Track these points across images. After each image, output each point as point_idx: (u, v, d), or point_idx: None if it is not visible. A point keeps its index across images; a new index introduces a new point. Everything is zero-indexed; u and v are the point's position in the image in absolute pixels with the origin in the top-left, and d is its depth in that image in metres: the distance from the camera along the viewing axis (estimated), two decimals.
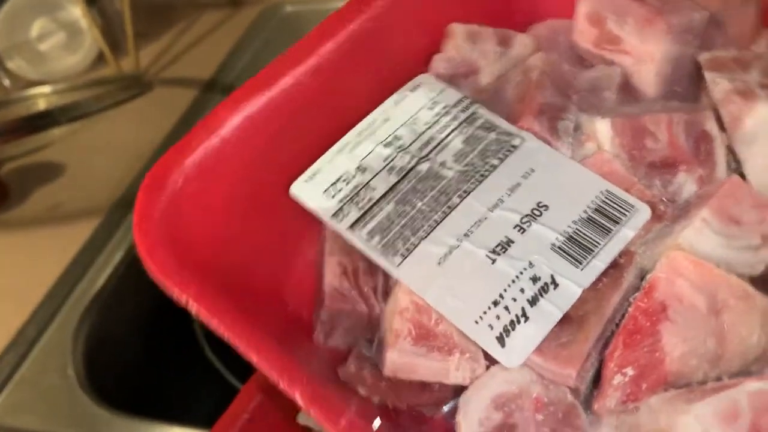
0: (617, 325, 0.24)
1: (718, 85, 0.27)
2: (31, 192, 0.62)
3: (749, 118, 0.25)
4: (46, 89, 0.72)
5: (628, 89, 0.29)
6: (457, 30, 0.31)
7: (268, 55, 0.78)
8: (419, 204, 0.26)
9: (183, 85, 0.72)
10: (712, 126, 0.26)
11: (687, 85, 0.29)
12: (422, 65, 0.31)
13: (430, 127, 0.28)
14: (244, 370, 0.39)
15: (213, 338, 0.51)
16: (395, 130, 0.28)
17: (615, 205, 0.25)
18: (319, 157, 0.28)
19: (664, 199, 0.26)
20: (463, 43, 0.31)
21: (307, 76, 0.28)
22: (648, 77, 0.29)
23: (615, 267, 0.24)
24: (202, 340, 0.48)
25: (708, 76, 0.27)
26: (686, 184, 0.26)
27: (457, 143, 0.28)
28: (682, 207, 0.25)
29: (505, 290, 0.24)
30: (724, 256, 0.24)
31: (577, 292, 0.23)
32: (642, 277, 0.24)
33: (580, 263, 0.24)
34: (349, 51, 0.29)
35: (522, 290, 0.24)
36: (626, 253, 0.24)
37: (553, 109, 0.28)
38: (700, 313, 0.23)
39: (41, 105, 0.69)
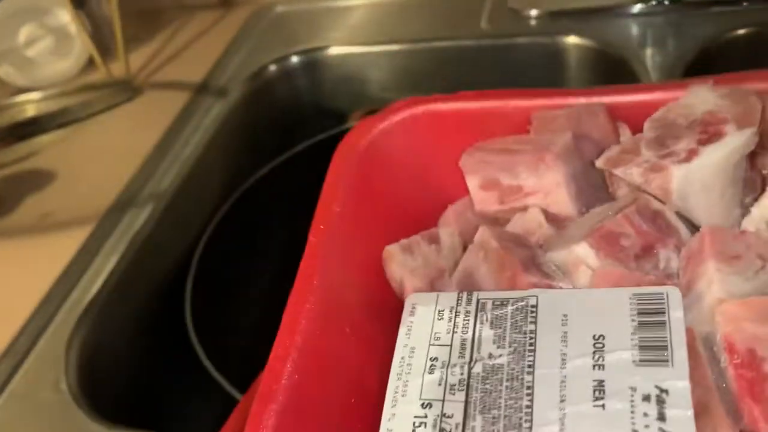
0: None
1: (631, 174, 0.31)
2: (21, 200, 0.60)
3: (672, 184, 0.30)
4: (35, 96, 0.70)
5: (551, 219, 0.33)
6: (393, 250, 0.34)
7: (259, 56, 0.76)
8: (502, 402, 0.26)
9: (174, 88, 0.69)
10: (655, 204, 0.30)
11: (594, 190, 0.33)
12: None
13: (454, 333, 0.29)
14: (243, 379, 0.37)
15: (210, 347, 0.49)
16: (428, 355, 0.29)
17: (650, 301, 0.28)
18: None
19: (666, 275, 0.29)
20: (403, 259, 0.33)
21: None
22: (563, 201, 0.32)
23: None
24: (199, 349, 0.46)
25: (618, 171, 0.31)
26: (670, 256, 0.30)
27: (487, 332, 0.29)
28: (682, 274, 0.29)
29: (633, 423, 0.24)
30: (749, 288, 0.27)
31: (686, 385, 0.25)
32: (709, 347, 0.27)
33: (668, 361, 0.26)
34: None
35: (645, 414, 0.24)
36: (687, 331, 0.27)
37: (530, 261, 0.30)
38: None
39: (30, 112, 0.66)
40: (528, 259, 0.30)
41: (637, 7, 0.66)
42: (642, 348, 0.26)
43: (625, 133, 0.34)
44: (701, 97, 0.32)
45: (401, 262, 0.33)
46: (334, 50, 0.74)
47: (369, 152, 0.36)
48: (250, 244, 0.62)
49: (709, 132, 0.30)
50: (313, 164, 0.67)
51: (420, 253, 0.33)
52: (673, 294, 0.27)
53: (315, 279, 0.30)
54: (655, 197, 0.31)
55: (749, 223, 0.30)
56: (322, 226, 0.32)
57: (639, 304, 0.27)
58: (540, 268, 0.30)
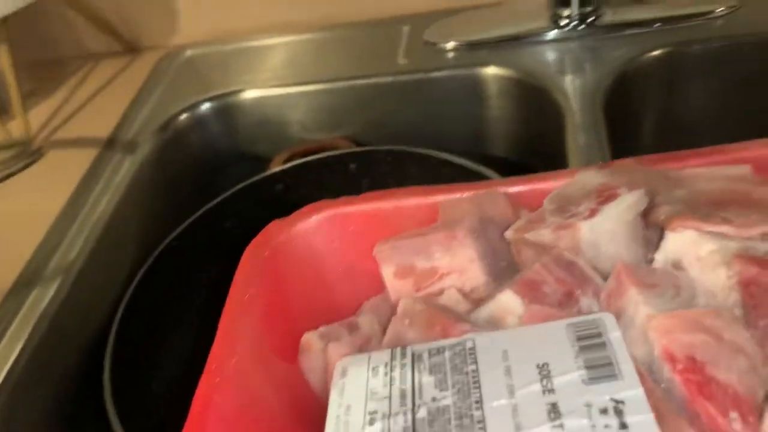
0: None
1: (542, 235, 0.33)
2: None
3: (580, 237, 0.32)
4: None
5: (467, 295, 0.34)
6: (311, 338, 0.34)
7: (170, 104, 0.72)
8: None
9: (79, 145, 0.65)
10: (568, 255, 0.33)
11: (504, 269, 0.35)
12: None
13: (392, 386, 0.29)
14: None
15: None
16: (366, 409, 0.28)
17: (586, 327, 0.29)
18: None
19: None
20: (321, 344, 0.33)
21: None
22: (478, 277, 0.34)
23: None
24: None
25: (528, 235, 0.34)
26: (591, 303, 0.31)
27: (427, 379, 0.29)
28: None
29: None
30: (671, 307, 0.29)
31: (640, 393, 0.26)
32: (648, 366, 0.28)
33: (616, 375, 0.26)
34: None
35: (606, 426, 0.25)
36: None
37: (458, 316, 0.32)
38: (713, 344, 0.27)
39: None
40: (453, 314, 0.32)
41: (552, 34, 0.66)
42: (588, 368, 0.27)
43: (526, 215, 0.37)
44: (591, 176, 0.36)
45: (321, 348, 0.33)
46: (249, 93, 0.72)
47: (278, 255, 0.37)
48: (175, 308, 0.59)
49: (604, 196, 0.34)
50: (236, 214, 0.65)
51: (337, 333, 0.34)
52: (607, 318, 0.29)
53: (224, 380, 0.30)
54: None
55: None
56: (230, 326, 0.32)
57: (576, 332, 0.29)
58: (467, 320, 0.32)
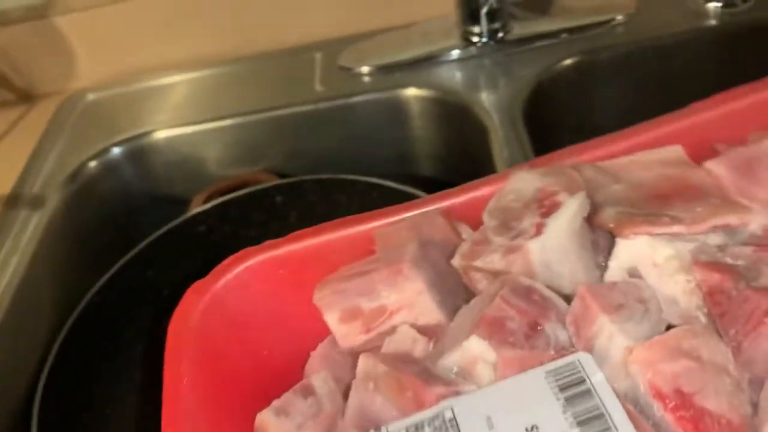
0: None
1: (492, 261, 0.32)
2: None
3: (532, 258, 0.31)
4: None
5: (423, 331, 0.32)
6: (265, 418, 0.32)
7: (76, 152, 0.68)
8: None
9: None
10: (524, 280, 0.31)
11: (454, 293, 0.34)
12: None
13: None
14: None
15: None
16: None
17: (566, 374, 0.27)
18: None
19: (561, 348, 0.30)
20: (280, 423, 0.31)
21: None
22: (429, 309, 0.33)
23: None
24: None
25: (478, 263, 0.32)
26: (556, 329, 0.30)
27: None
28: (576, 341, 0.30)
29: None
30: (644, 330, 0.29)
31: None
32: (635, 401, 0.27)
33: (610, 428, 0.25)
34: None
35: None
36: None
37: (427, 373, 0.30)
38: (697, 369, 0.27)
39: None
40: (424, 372, 0.30)
41: (465, 51, 0.67)
42: (580, 424, 0.26)
43: (465, 230, 0.36)
44: (525, 180, 0.35)
45: (279, 429, 0.31)
46: (161, 134, 0.69)
47: (207, 321, 0.34)
48: (103, 368, 0.54)
49: (546, 205, 0.33)
50: (158, 262, 0.61)
51: (298, 412, 0.31)
52: (585, 359, 0.28)
53: None
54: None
55: (611, 278, 0.32)
56: (173, 419, 0.30)
57: (557, 380, 0.28)
58: (440, 378, 0.30)
